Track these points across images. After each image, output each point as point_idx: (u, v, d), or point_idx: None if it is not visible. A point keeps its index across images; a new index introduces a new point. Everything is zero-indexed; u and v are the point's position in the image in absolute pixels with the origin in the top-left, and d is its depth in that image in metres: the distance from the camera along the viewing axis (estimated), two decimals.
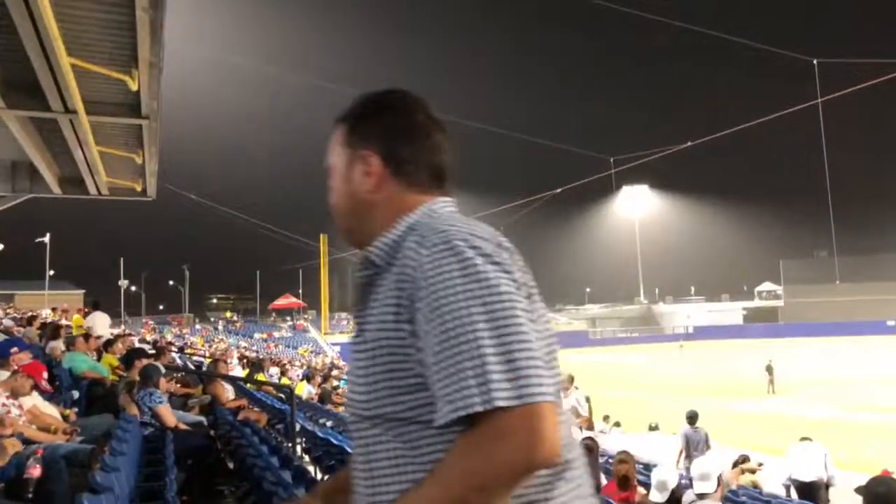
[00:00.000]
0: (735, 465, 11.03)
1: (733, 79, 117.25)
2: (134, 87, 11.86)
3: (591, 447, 6.43)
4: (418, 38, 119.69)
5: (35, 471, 3.44)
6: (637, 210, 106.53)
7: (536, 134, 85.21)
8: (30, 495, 3.40)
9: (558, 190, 27.12)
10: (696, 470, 5.08)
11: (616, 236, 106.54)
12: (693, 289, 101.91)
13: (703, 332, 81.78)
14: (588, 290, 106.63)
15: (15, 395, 5.17)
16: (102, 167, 17.64)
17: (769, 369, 30.88)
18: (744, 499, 7.51)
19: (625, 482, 5.87)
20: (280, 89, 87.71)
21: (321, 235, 64.37)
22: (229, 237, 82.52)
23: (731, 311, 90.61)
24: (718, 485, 4.94)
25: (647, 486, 5.86)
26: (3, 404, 4.99)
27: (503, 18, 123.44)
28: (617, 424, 18.16)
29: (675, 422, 19.62)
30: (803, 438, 10.14)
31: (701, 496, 4.94)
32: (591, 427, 12.16)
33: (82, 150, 15.82)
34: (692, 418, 11.48)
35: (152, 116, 13.97)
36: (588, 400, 19.30)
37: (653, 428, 18.33)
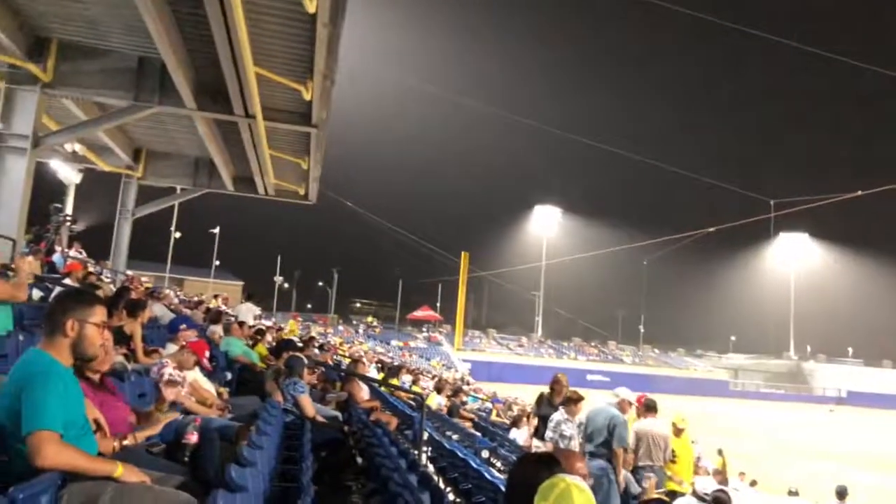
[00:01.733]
0: None
1: None
2: (307, 97, 12.65)
3: (722, 500, 6.05)
4: (589, 69, 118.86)
5: (192, 437, 3.71)
6: (794, 259, 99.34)
7: (691, 168, 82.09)
8: (186, 458, 3.67)
9: (711, 229, 25.83)
10: None
11: (769, 284, 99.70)
12: (850, 350, 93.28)
13: (857, 398, 74.59)
14: (733, 338, 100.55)
15: (181, 367, 5.62)
16: (272, 169, 18.95)
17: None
18: None
19: None
20: (444, 112, 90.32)
21: (463, 253, 65.35)
22: (377, 246, 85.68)
23: (892, 379, 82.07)
24: None
25: None
26: (171, 375, 5.44)
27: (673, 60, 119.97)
28: (753, 483, 16.92)
29: (815, 489, 18.08)
30: None
31: None
32: (724, 481, 11.43)
33: (256, 152, 17.08)
34: (841, 494, 10.47)
35: (321, 125, 14.84)
36: (720, 452, 18.26)
37: (792, 493, 16.87)
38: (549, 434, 8.12)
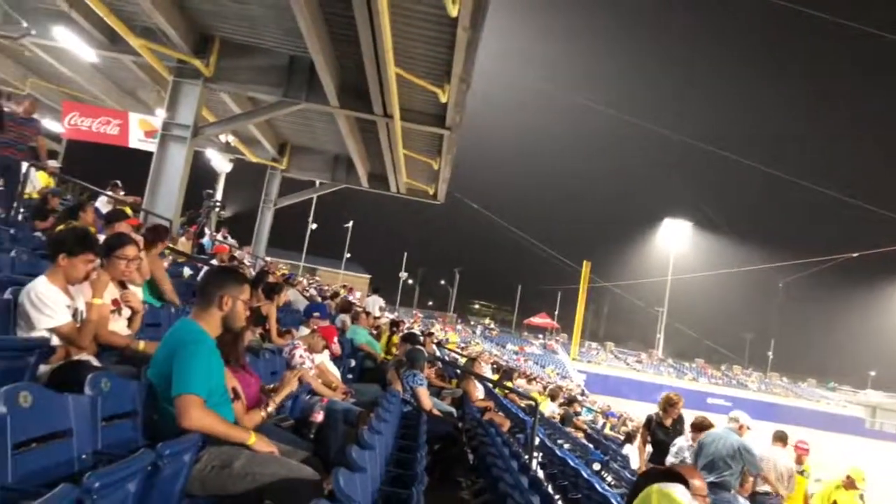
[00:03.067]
0: None
1: None
2: (443, 100, 12.88)
3: None
4: (731, 80, 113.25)
5: (318, 416, 3.87)
6: None
7: (836, 188, 76.27)
8: (311, 436, 3.83)
9: (855, 254, 23.82)
10: None
11: None
12: None
13: None
14: (872, 373, 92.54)
15: (311, 350, 5.88)
16: (405, 168, 19.46)
17: None
18: None
19: None
20: (576, 118, 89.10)
21: (585, 261, 64.14)
22: (500, 249, 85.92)
23: None
24: None
25: None
26: (301, 356, 5.70)
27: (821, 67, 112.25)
28: None
29: None
30: None
31: None
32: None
33: (391, 151, 17.61)
34: None
35: (454, 128, 15.06)
36: (862, 498, 16.84)
37: None
38: (670, 459, 7.64)
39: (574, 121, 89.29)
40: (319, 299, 14.65)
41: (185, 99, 13.68)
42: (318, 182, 24.01)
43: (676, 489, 2.53)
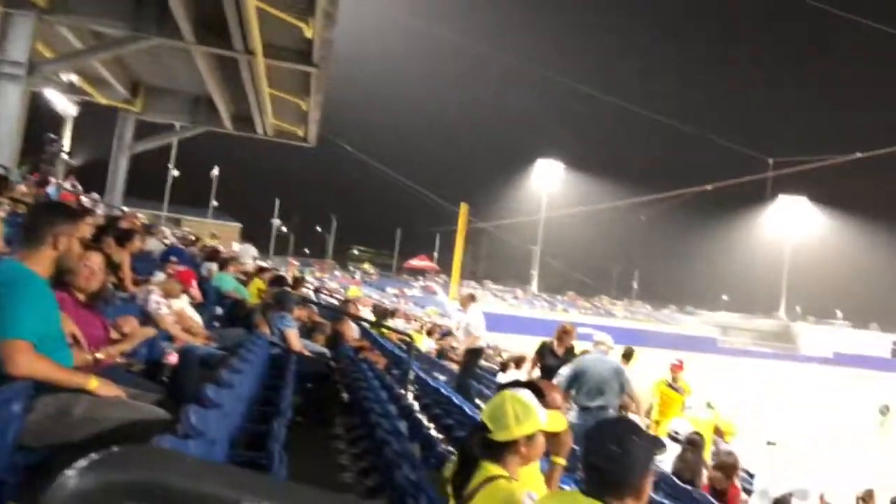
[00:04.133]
0: (860, 499, 10.27)
1: None
2: (308, 35, 12.43)
3: (695, 441, 6.18)
4: (595, 21, 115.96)
5: (172, 358, 3.74)
6: (791, 222, 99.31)
7: (695, 124, 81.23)
8: (164, 379, 3.70)
9: (709, 187, 25.47)
10: (796, 485, 4.81)
11: (764, 245, 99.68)
12: (840, 313, 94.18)
13: (843, 360, 75.62)
14: (725, 297, 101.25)
15: (167, 295, 5.63)
16: (271, 109, 18.73)
17: (884, 410, 27.88)
18: None
19: (720, 493, 5.66)
20: (449, 58, 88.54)
21: (462, 203, 65.05)
22: (377, 193, 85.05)
23: (878, 342, 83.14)
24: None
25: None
26: (157, 302, 5.46)
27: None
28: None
29: (792, 442, 18.51)
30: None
31: None
32: (718, 433, 11.64)
33: (255, 90, 16.87)
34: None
35: (321, 65, 14.59)
36: (710, 405, 18.69)
37: (770, 444, 17.34)
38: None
39: (447, 61, 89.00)
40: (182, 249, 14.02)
41: (17, 32, 12.38)
42: (177, 125, 22.68)
43: (527, 393, 2.64)
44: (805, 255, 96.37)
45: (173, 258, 6.63)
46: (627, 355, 8.43)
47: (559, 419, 2.68)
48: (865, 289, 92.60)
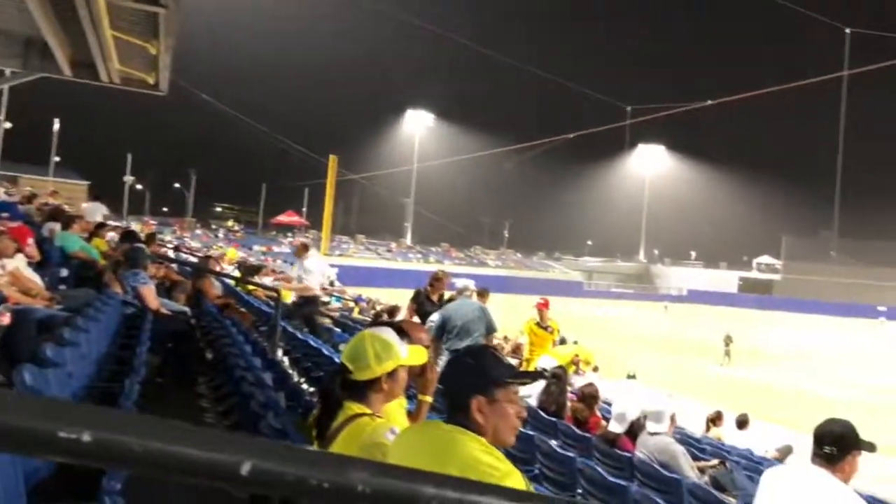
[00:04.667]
0: (710, 420, 11.29)
1: (766, 39, 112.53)
2: None
3: (559, 375, 6.55)
4: None
5: (4, 318, 3.46)
6: (649, 169, 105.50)
7: (561, 74, 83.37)
8: None
9: (571, 135, 26.36)
10: (650, 408, 5.21)
11: (624, 192, 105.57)
12: (693, 254, 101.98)
13: (696, 297, 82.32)
14: (589, 242, 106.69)
15: None
16: (115, 54, 17.33)
17: (727, 340, 29.93)
18: (706, 447, 7.70)
19: (582, 422, 6.06)
20: (318, 7, 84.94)
21: (331, 155, 63.84)
22: (240, 146, 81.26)
23: (726, 279, 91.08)
24: (671, 423, 5.11)
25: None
26: None
27: None
28: (595, 369, 18.44)
29: (650, 374, 20.15)
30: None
31: (653, 434, 5.09)
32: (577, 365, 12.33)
33: (96, 32, 15.53)
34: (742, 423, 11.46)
35: (170, 5, 13.64)
36: (576, 343, 19.84)
37: (630, 376, 18.74)
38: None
39: (314, 10, 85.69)
40: (20, 208, 12.89)
41: None
42: (7, 71, 20.54)
43: (387, 331, 2.67)
44: (662, 200, 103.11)
45: (6, 214, 6.07)
46: (482, 294, 8.71)
47: (420, 353, 2.73)
48: (715, 231, 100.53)
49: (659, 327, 45.57)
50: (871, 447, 3.26)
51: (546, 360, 7.04)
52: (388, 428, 2.41)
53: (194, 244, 41.92)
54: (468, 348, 2.56)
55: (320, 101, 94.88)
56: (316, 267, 10.37)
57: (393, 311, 11.96)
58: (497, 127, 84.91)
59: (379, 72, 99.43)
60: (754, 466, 7.42)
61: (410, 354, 2.63)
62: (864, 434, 3.21)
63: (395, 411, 2.86)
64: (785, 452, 9.87)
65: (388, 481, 1.03)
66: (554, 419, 6.32)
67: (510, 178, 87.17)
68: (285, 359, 7.97)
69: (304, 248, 11.00)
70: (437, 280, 9.02)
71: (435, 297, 8.83)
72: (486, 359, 2.15)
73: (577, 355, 10.43)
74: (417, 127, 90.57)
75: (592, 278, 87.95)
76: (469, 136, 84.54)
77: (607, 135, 60.25)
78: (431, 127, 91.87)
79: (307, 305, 10.71)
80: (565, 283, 77.95)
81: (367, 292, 39.09)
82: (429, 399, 3.06)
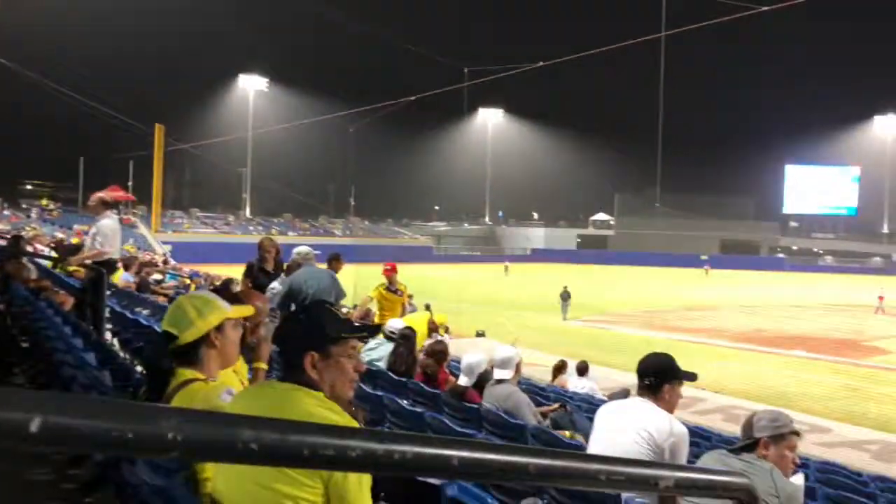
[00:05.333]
0: (555, 369, 11.95)
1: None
2: None
3: (408, 336, 6.66)
4: None
5: None
6: (491, 132, 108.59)
7: (388, 30, 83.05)
8: None
9: (412, 98, 26.37)
10: (497, 356, 5.45)
11: (469, 156, 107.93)
12: (535, 214, 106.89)
13: (539, 255, 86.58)
14: (437, 207, 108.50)
15: None
16: None
17: (564, 295, 31.12)
18: (550, 394, 8.18)
19: (432, 378, 6.23)
20: None
21: (157, 125, 59.87)
22: (52, 118, 73.98)
23: (567, 238, 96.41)
24: (515, 372, 5.36)
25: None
26: None
27: None
28: (447, 330, 18.95)
29: (498, 330, 21.03)
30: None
31: (500, 381, 5.34)
32: (435, 330, 12.56)
33: None
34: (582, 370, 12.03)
35: None
36: (428, 307, 20.31)
37: (479, 334, 19.40)
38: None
39: None
40: None
41: None
42: None
43: (208, 294, 2.59)
44: (504, 164, 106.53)
45: None
46: (336, 260, 8.65)
47: (246, 308, 2.67)
48: (554, 191, 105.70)
49: (504, 287, 47.47)
50: (691, 377, 3.62)
51: (393, 323, 7.13)
52: (223, 389, 2.35)
53: (1, 226, 38.07)
54: (302, 305, 2.54)
55: (144, 69, 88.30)
56: (109, 228, 8.91)
57: (227, 283, 11.49)
58: (336, 90, 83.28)
59: (206, 36, 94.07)
60: (594, 408, 7.99)
61: (235, 309, 2.57)
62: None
63: (231, 379, 2.79)
64: (623, 394, 10.71)
65: (200, 427, 1.00)
66: (403, 379, 6.42)
67: (353, 143, 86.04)
68: (115, 340, 7.51)
69: (103, 206, 9.14)
70: (262, 249, 8.75)
71: (269, 267, 8.58)
72: (319, 315, 2.14)
73: (432, 320, 10.64)
74: (251, 91, 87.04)
75: (441, 243, 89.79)
76: (307, 100, 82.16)
77: (449, 98, 61.11)
78: (266, 91, 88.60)
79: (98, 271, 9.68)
80: (415, 248, 78.95)
81: (207, 269, 37.55)
82: (264, 366, 3.03)
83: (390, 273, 10.75)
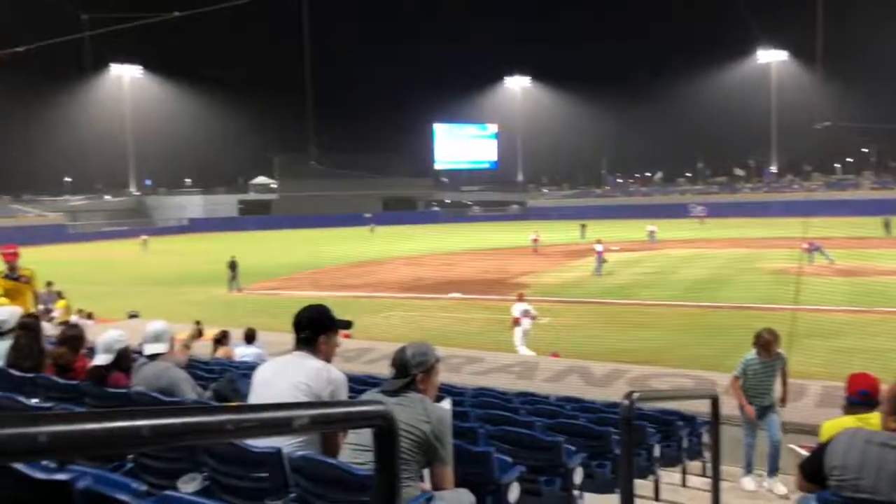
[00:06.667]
0: (215, 340, 11.58)
1: None
2: None
3: (29, 325, 5.92)
4: None
5: None
6: (129, 91, 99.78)
7: None
8: None
9: (21, 48, 22.38)
10: (149, 331, 5.10)
11: (104, 120, 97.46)
12: (189, 181, 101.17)
13: (198, 225, 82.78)
14: (68, 179, 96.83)
15: None
16: None
17: (232, 265, 29.86)
18: (214, 367, 7.97)
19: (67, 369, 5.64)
20: None
21: None
22: None
23: (227, 204, 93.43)
24: (171, 346, 5.16)
25: None
26: None
27: None
28: (90, 316, 17.34)
29: (156, 309, 19.83)
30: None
31: (153, 356, 5.00)
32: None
33: None
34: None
35: None
36: (60, 294, 18.35)
37: (132, 315, 18.22)
38: None
39: None
40: None
41: None
42: None
43: None
44: (147, 128, 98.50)
45: None
46: None
47: None
48: (209, 155, 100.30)
49: (160, 263, 44.61)
50: (346, 324, 3.74)
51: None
52: None
53: None
54: None
55: None
56: None
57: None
58: None
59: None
60: None
61: None
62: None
63: None
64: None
65: None
66: (31, 375, 5.66)
67: None
68: None
69: None
70: None
71: None
72: None
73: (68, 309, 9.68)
74: None
75: (78, 219, 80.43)
76: None
77: (67, 51, 54.13)
78: None
79: None
80: (44, 228, 69.95)
81: None
82: None
83: (12, 258, 9.82)
